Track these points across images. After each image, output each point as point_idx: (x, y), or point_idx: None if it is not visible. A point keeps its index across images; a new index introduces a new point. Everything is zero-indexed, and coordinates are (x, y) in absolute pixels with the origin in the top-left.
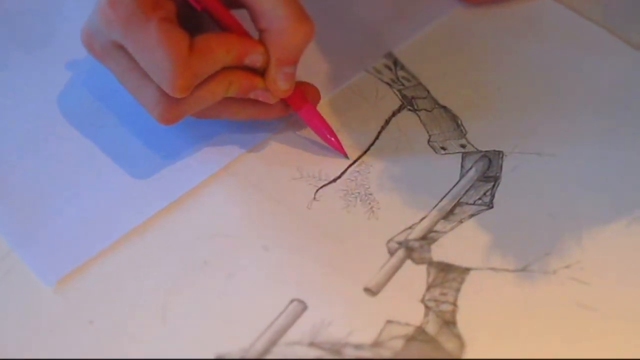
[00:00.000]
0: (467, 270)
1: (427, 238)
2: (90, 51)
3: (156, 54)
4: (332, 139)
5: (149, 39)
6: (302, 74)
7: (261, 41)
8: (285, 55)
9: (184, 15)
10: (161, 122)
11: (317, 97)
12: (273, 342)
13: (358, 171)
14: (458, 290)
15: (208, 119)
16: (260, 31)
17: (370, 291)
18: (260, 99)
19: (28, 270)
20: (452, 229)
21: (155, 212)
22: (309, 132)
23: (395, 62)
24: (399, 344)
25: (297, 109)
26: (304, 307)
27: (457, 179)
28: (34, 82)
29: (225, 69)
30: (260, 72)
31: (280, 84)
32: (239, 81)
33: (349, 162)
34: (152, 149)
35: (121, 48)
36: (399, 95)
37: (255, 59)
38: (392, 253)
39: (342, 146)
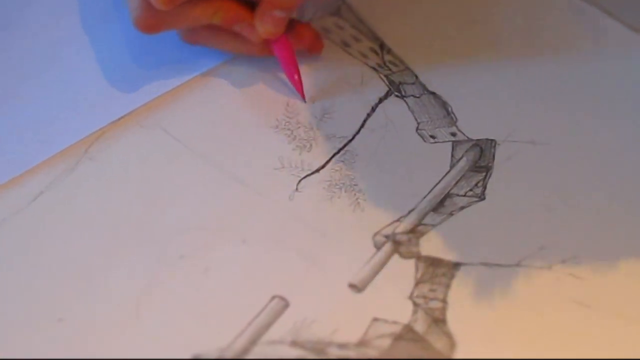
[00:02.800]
0: (457, 265)
1: (416, 231)
2: None
3: None
4: (296, 77)
5: None
6: None
7: None
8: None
9: None
10: (138, 28)
11: (316, 45)
12: (253, 341)
13: (342, 161)
14: (448, 286)
15: (197, 44)
16: None
17: (356, 287)
18: (243, 33)
19: None
20: (441, 221)
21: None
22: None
23: (382, 45)
24: (385, 343)
25: (276, 47)
26: (285, 304)
27: (447, 169)
28: None
29: None
30: (251, 7)
31: (266, 25)
32: (225, 10)
33: (334, 151)
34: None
35: None
36: (385, 80)
37: None
38: (378, 247)
39: (302, 89)
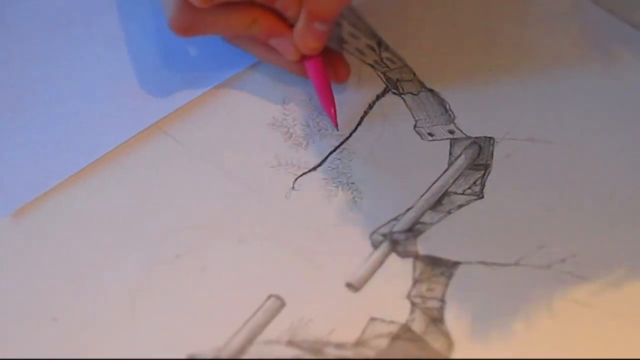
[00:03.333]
0: (455, 264)
1: (413, 230)
2: None
3: None
4: (332, 110)
5: None
6: None
7: None
8: (319, 10)
9: None
10: (172, 30)
11: (343, 72)
12: (249, 341)
13: (339, 159)
14: (446, 285)
15: (237, 47)
16: None
17: (353, 286)
18: (279, 48)
19: None
20: (439, 220)
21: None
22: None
23: (380, 42)
24: (383, 342)
25: (310, 69)
26: (281, 303)
27: (445, 167)
28: None
29: (254, 4)
30: (289, 23)
31: (307, 40)
32: (263, 22)
33: (331, 149)
34: (123, 80)
35: None
36: (383, 78)
37: (287, 4)
38: (375, 246)
39: (335, 117)
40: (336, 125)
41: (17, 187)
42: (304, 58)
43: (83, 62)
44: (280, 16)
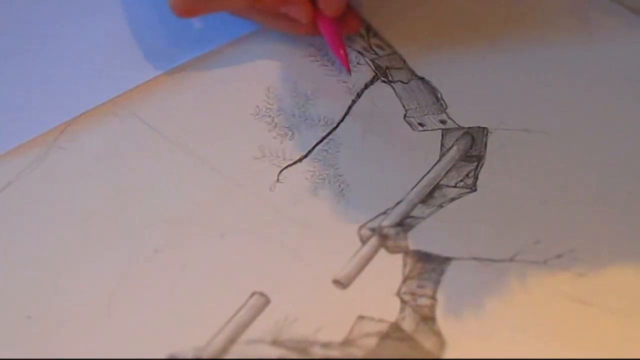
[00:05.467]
0: (447, 260)
1: (404, 224)
2: None
3: None
4: (342, 52)
5: None
6: None
7: None
8: None
9: None
10: (175, 12)
11: (355, 23)
12: (231, 340)
13: (326, 150)
14: (438, 282)
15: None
16: None
17: (340, 283)
18: (291, 15)
19: None
20: (431, 214)
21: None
22: None
23: (369, 28)
24: (371, 342)
25: (322, 26)
26: (266, 301)
27: (437, 158)
28: None
29: None
30: None
31: (332, 3)
32: None
33: (317, 139)
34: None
35: None
36: (372, 65)
37: None
38: (364, 241)
39: (348, 62)
40: (349, 70)
41: None
42: (316, 17)
43: (57, 28)
44: None
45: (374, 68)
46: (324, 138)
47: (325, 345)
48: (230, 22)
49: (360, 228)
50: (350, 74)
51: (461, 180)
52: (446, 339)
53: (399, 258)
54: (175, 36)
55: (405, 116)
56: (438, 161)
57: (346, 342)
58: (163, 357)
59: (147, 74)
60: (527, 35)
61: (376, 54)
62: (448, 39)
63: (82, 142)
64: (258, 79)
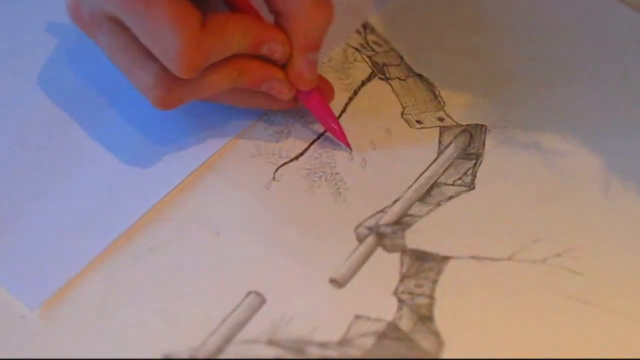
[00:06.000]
0: (445, 259)
1: (401, 223)
2: (77, 22)
3: (163, 29)
4: (336, 127)
5: (155, 12)
6: None
7: (278, 27)
8: (309, 41)
9: None
10: (158, 107)
11: (330, 92)
12: (227, 340)
13: (323, 147)
14: (435, 281)
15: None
16: (276, 14)
17: (337, 282)
18: (274, 92)
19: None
20: (428, 212)
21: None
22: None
23: (365, 24)
24: (368, 341)
25: (306, 101)
26: (261, 300)
27: (435, 156)
28: None
29: (237, 56)
30: (276, 63)
31: (306, 75)
32: (251, 71)
33: (313, 137)
34: (126, 151)
35: (117, 22)
36: (368, 62)
37: (274, 48)
38: (361, 240)
39: (345, 138)
40: (349, 147)
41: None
42: (297, 92)
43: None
44: (264, 60)
45: (370, 65)
46: (320, 136)
47: (322, 345)
48: None
49: (357, 226)
50: (351, 150)
51: (459, 179)
52: (444, 339)
53: (396, 257)
54: None
55: (402, 113)
56: (436, 159)
57: (343, 342)
58: (158, 357)
59: None
60: (526, 31)
61: (373, 50)
62: (446, 36)
63: None
64: None
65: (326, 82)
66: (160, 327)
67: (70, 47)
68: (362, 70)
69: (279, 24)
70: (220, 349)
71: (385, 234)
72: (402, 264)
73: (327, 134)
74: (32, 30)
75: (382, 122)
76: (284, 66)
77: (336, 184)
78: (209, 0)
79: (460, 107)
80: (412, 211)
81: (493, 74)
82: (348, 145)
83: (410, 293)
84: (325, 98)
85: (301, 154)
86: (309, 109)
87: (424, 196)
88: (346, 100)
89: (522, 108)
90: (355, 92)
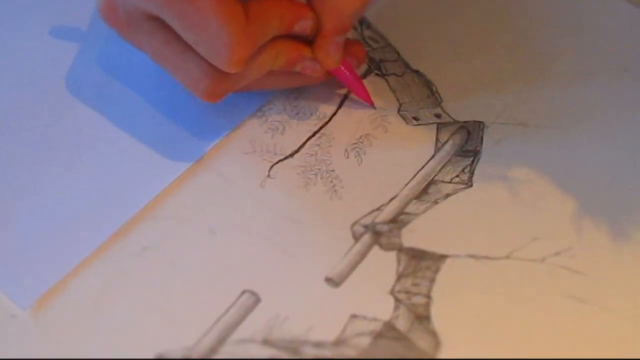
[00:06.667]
0: (443, 257)
1: (397, 221)
2: (112, 24)
3: (210, 24)
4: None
5: (200, 7)
6: None
7: (312, 3)
8: (339, 23)
9: None
10: (207, 99)
11: (361, 55)
12: (221, 340)
13: (318, 144)
14: (432, 280)
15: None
16: None
17: (332, 281)
18: (307, 71)
19: None
20: (425, 210)
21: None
22: None
23: (361, 20)
24: (364, 341)
25: (338, 75)
26: (256, 299)
27: (432, 153)
28: None
29: (274, 38)
30: (307, 41)
31: (332, 55)
32: (287, 52)
33: (309, 134)
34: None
35: (156, 19)
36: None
37: (305, 25)
38: (357, 238)
39: (371, 99)
40: (372, 105)
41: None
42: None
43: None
44: (297, 40)
45: (367, 60)
46: (315, 132)
47: (317, 344)
48: None
49: (353, 224)
50: (374, 107)
51: (456, 176)
52: (441, 339)
53: (392, 255)
54: None
55: (399, 110)
56: (433, 156)
57: (339, 342)
58: (151, 357)
59: None
60: (524, 26)
61: (369, 46)
62: (443, 31)
63: None
64: None
65: (357, 45)
66: (153, 327)
67: (64, 47)
68: (359, 66)
69: (312, 4)
70: (214, 348)
71: (381, 232)
72: (398, 263)
73: (323, 130)
74: (30, 23)
75: (379, 119)
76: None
77: (332, 181)
78: None
79: (457, 104)
80: (408, 209)
81: (491, 70)
82: (372, 103)
83: (407, 292)
84: (354, 69)
85: (296, 151)
86: (340, 80)
87: (421, 194)
88: (342, 96)
89: (521, 104)
90: None
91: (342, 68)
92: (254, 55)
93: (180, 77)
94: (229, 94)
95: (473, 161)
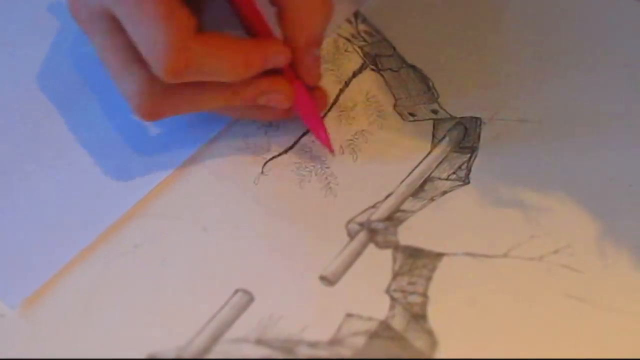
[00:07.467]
0: (439, 255)
1: (393, 218)
2: (75, 17)
3: (153, 26)
4: (325, 137)
5: (148, 8)
6: None
7: (281, 22)
8: (312, 37)
9: None
10: (139, 115)
11: (324, 98)
12: (214, 339)
13: (313, 141)
14: (429, 279)
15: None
16: (278, 8)
17: (327, 280)
18: (273, 103)
19: None
20: (422, 207)
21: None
22: None
23: (356, 14)
24: (360, 341)
25: (300, 108)
26: (250, 298)
27: (428, 150)
28: None
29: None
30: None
31: (314, 69)
32: (245, 91)
33: (303, 130)
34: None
35: (112, 19)
36: (360, 52)
37: (277, 60)
38: (352, 236)
39: (330, 144)
40: (332, 151)
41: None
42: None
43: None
44: (253, 79)
45: (362, 55)
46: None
47: (312, 344)
48: None
49: (348, 222)
50: (334, 155)
51: (453, 173)
52: (438, 338)
53: (388, 254)
54: None
55: (395, 106)
56: (429, 153)
57: (334, 341)
58: (143, 357)
59: None
60: (523, 22)
61: (365, 40)
62: (440, 25)
63: None
64: None
65: (321, 89)
66: (145, 326)
67: (52, 43)
68: (354, 61)
69: (281, 17)
70: (207, 348)
71: (377, 230)
72: (394, 261)
73: None
74: (17, 21)
75: (374, 115)
76: (279, 72)
77: (326, 178)
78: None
79: (454, 99)
80: (404, 206)
81: (489, 65)
82: (332, 151)
83: (403, 291)
84: (317, 109)
85: (290, 148)
86: (301, 117)
87: (417, 191)
88: (337, 91)
89: (519, 100)
90: (347, 84)
91: (308, 108)
92: (202, 87)
93: (119, 87)
94: (164, 117)
95: (470, 158)
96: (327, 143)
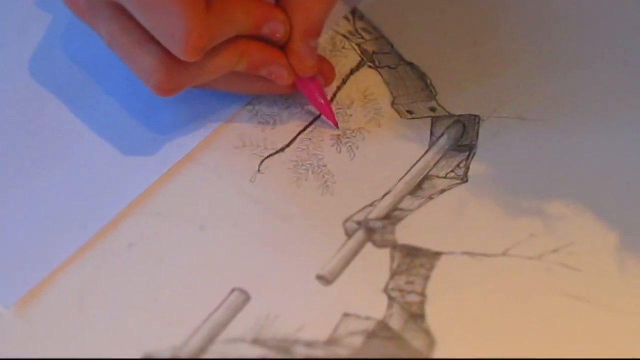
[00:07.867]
0: (437, 255)
1: (391, 217)
2: (74, 9)
3: (169, 10)
4: (333, 118)
5: None
6: None
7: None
8: (311, 26)
9: None
10: (158, 93)
11: (330, 74)
12: (210, 340)
13: (310, 139)
14: (427, 278)
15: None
16: None
17: (325, 279)
18: (273, 77)
19: None
20: (420, 206)
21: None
22: None
23: (354, 11)
24: (357, 341)
25: (303, 86)
26: (246, 297)
27: (426, 148)
28: None
29: (239, 38)
30: (278, 48)
31: (307, 61)
32: (251, 54)
33: (300, 128)
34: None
35: (114, 6)
36: (357, 50)
37: (275, 28)
38: (350, 235)
39: (335, 119)
40: (336, 125)
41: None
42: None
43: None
44: (268, 43)
45: (360, 53)
46: (307, 127)
47: (309, 344)
48: None
49: (346, 221)
50: (338, 128)
51: (452, 171)
52: (436, 338)
53: (386, 253)
54: None
55: (393, 103)
56: (427, 151)
57: (331, 341)
58: (139, 357)
59: None
60: (522, 19)
61: (362, 38)
62: (438, 22)
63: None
64: None
65: (327, 63)
66: (141, 325)
67: (48, 40)
68: (351, 58)
69: (282, 2)
70: (203, 348)
71: (375, 229)
72: (392, 260)
73: (315, 124)
74: (13, 17)
75: (372, 113)
76: (284, 51)
77: (324, 176)
78: None
79: (453, 97)
80: (402, 205)
81: (487, 63)
82: (336, 125)
83: (401, 290)
84: (323, 83)
85: (287, 146)
86: (304, 94)
87: (415, 189)
88: (335, 89)
89: (517, 98)
90: (344, 81)
91: (310, 83)
92: (215, 51)
93: (134, 68)
94: (183, 89)
95: (469, 156)
96: (331, 117)
